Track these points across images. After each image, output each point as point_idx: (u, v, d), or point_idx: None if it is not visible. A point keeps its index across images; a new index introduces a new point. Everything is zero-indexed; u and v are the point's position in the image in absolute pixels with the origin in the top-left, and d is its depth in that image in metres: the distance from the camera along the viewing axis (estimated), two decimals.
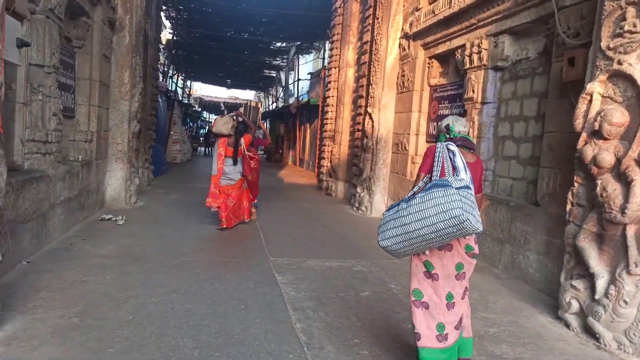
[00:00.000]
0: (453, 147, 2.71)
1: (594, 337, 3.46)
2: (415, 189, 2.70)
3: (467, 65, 6.24)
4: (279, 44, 22.47)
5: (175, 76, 24.13)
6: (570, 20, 4.49)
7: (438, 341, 2.63)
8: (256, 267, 4.87)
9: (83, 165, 6.50)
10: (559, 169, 4.51)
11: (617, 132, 3.46)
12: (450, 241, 2.55)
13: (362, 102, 9.60)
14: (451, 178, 2.54)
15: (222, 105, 37.61)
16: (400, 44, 8.53)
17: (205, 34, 19.29)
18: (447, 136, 2.87)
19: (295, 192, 11.98)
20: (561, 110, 4.55)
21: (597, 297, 3.48)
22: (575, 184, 3.87)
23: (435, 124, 7.50)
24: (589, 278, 3.61)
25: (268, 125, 31.27)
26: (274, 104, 32.90)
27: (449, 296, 2.66)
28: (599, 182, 3.54)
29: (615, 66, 3.51)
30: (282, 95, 30.70)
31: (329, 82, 12.01)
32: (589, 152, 3.62)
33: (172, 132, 19.12)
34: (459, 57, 6.55)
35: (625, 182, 3.34)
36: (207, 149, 30.38)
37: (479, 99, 6.04)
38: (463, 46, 6.44)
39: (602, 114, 3.54)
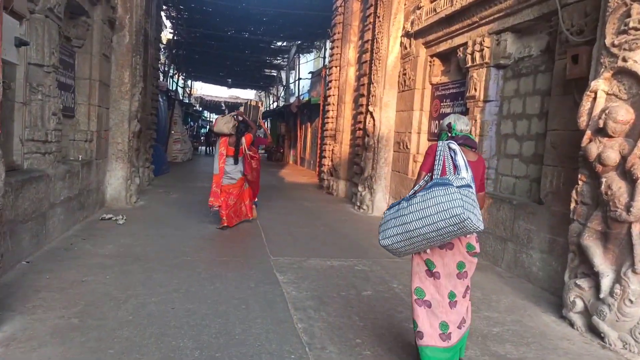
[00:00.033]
0: (454, 145, 2.70)
1: (599, 337, 3.42)
2: (416, 188, 2.69)
3: (469, 64, 6.20)
4: (279, 43, 22.43)
5: (176, 76, 24.12)
6: (573, 18, 4.46)
7: (442, 340, 2.61)
8: (257, 267, 4.84)
9: (83, 164, 6.47)
10: (563, 167, 4.47)
11: (622, 129, 3.42)
12: (451, 240, 2.53)
13: (364, 100, 9.56)
14: (452, 177, 2.53)
15: (223, 104, 37.62)
16: (401, 43, 8.49)
17: (206, 34, 19.26)
18: (449, 135, 2.85)
19: (296, 191, 11.95)
20: (564, 108, 4.51)
21: (602, 296, 3.44)
22: (580, 182, 3.83)
23: (436, 122, 7.46)
24: (594, 277, 3.57)
25: (269, 125, 31.21)
26: (275, 103, 32.88)
27: (451, 295, 2.65)
28: (603, 180, 3.50)
29: (620, 63, 3.48)
30: (283, 94, 30.67)
31: (330, 81, 11.98)
32: (593, 150, 3.58)
33: (172, 132, 19.10)
34: (461, 55, 6.52)
35: (631, 180, 3.30)
36: (207, 149, 30.37)
37: (481, 97, 6.00)
38: (465, 44, 6.40)
39: (606, 111, 3.51)
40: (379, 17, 8.76)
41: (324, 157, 12.23)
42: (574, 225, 3.86)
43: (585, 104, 3.76)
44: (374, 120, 8.77)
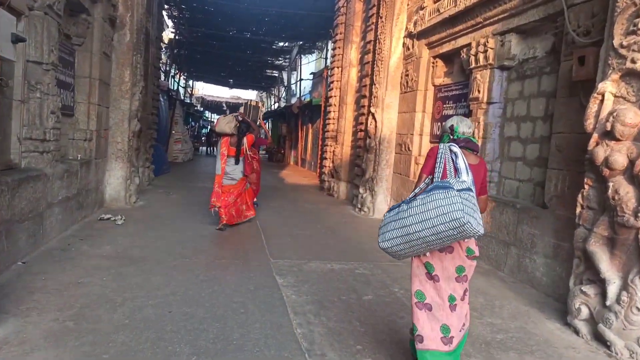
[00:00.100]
0: (455, 148, 2.67)
1: (605, 345, 3.35)
2: (416, 190, 2.66)
3: (473, 65, 6.13)
4: (281, 44, 22.37)
5: (178, 75, 24.08)
6: (580, 18, 4.38)
7: (443, 344, 2.57)
8: (257, 269, 4.77)
9: (82, 164, 6.41)
10: (568, 170, 4.40)
11: (630, 132, 3.35)
12: (450, 243, 2.50)
13: (365, 102, 9.49)
14: (453, 180, 2.50)
15: (224, 105, 37.59)
16: (404, 43, 8.42)
17: (208, 34, 19.20)
18: (451, 137, 2.81)
19: (297, 193, 11.88)
20: (570, 111, 4.44)
21: (608, 303, 3.37)
22: (586, 186, 3.76)
23: (439, 124, 7.39)
24: (600, 283, 3.50)
25: (270, 125, 31.15)
26: (276, 104, 32.83)
27: (451, 298, 2.62)
28: (610, 184, 3.43)
29: (629, 65, 3.41)
30: (284, 95, 30.62)
31: (332, 82, 11.91)
32: (600, 153, 3.51)
33: (173, 132, 19.05)
34: (464, 56, 6.45)
35: (639, 184, 3.23)
36: (208, 149, 30.33)
37: (485, 99, 5.93)
38: (468, 45, 6.33)
39: (614, 114, 3.44)
40: (381, 18, 8.69)
41: (325, 158, 12.16)
42: (579, 230, 3.79)
43: (592, 107, 3.69)
44: (375, 121, 8.70)
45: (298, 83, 24.28)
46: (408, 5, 8.34)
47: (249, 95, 43.34)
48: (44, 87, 5.00)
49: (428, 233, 2.35)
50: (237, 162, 6.72)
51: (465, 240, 2.55)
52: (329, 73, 13.13)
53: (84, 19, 6.44)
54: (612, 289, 3.36)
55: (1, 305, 3.32)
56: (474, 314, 3.82)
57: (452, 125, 2.84)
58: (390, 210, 2.63)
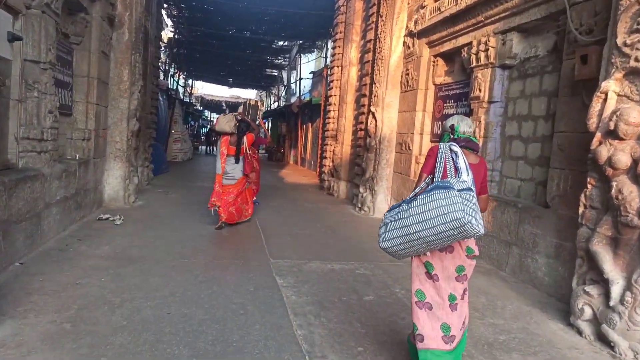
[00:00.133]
0: (456, 147, 2.66)
1: (609, 346, 3.31)
2: (417, 190, 2.65)
3: (474, 64, 6.09)
4: (281, 43, 22.31)
5: (177, 75, 24.02)
6: (582, 17, 4.35)
7: (444, 342, 2.56)
8: (256, 270, 4.73)
9: (80, 163, 6.37)
10: (570, 169, 4.36)
11: (633, 132, 3.31)
12: (451, 243, 2.50)
13: (365, 101, 9.45)
14: (453, 180, 2.49)
15: (223, 104, 37.53)
16: (404, 42, 8.38)
17: (207, 33, 19.15)
18: (451, 136, 2.81)
19: (297, 192, 11.84)
20: (572, 110, 4.40)
21: (611, 303, 3.33)
22: (589, 186, 3.72)
23: (440, 123, 7.35)
24: (603, 284, 3.46)
25: (270, 125, 31.11)
26: (276, 103, 32.78)
27: (451, 297, 2.61)
28: (614, 184, 3.39)
29: (633, 63, 3.37)
30: (284, 94, 30.56)
31: (332, 81, 11.87)
32: (603, 152, 3.47)
33: (173, 131, 19.00)
34: (465, 55, 6.41)
35: None
36: (208, 148, 30.29)
37: (486, 98, 5.89)
38: (469, 44, 6.29)
39: (617, 113, 3.40)
40: (381, 16, 8.65)
41: (325, 157, 12.12)
42: (582, 230, 3.75)
43: (595, 106, 3.65)
44: (375, 120, 8.66)
45: (298, 82, 24.22)
46: (408, 3, 8.30)
47: (249, 94, 43.25)
48: (42, 87, 4.96)
49: (429, 233, 2.34)
50: (237, 161, 6.69)
51: (465, 239, 2.54)
52: (328, 72, 13.09)
53: (82, 17, 6.39)
54: (616, 290, 3.33)
55: None
56: (476, 315, 3.80)
57: (453, 125, 2.82)
58: (390, 209, 2.62)
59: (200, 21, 18.04)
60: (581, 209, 3.79)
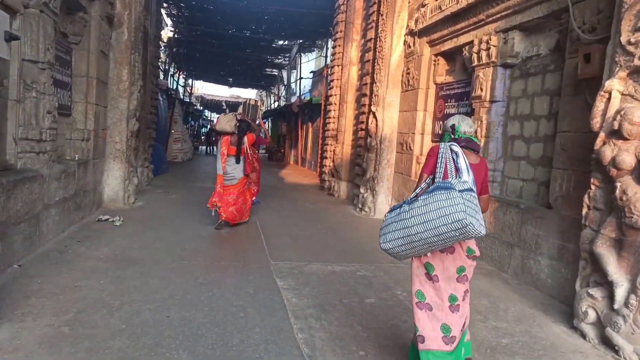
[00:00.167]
0: (456, 147, 2.65)
1: (613, 349, 3.27)
2: (417, 190, 2.64)
3: (475, 63, 6.05)
4: (281, 42, 22.26)
5: (177, 74, 23.97)
6: (585, 15, 4.30)
7: (445, 343, 2.55)
8: (256, 271, 4.69)
9: (80, 164, 6.33)
10: (573, 170, 4.32)
11: (638, 131, 3.27)
12: (452, 244, 2.49)
13: (366, 100, 9.41)
14: (454, 180, 2.48)
15: (223, 104, 37.49)
16: (405, 41, 8.33)
17: (207, 32, 19.10)
18: (452, 136, 2.80)
19: (297, 192, 11.80)
20: (575, 109, 4.36)
21: (616, 306, 3.29)
22: (592, 187, 3.68)
23: (441, 123, 7.31)
24: (607, 286, 3.42)
25: (270, 125, 31.07)
26: (276, 103, 32.73)
27: (452, 298, 2.60)
28: (618, 184, 3.35)
29: (637, 62, 3.33)
30: (284, 93, 30.51)
31: (332, 81, 11.82)
32: (607, 152, 3.42)
33: (173, 131, 18.96)
34: (467, 54, 6.36)
35: None
36: (208, 148, 30.24)
37: (488, 97, 5.85)
38: (471, 43, 6.25)
39: (621, 112, 3.36)
40: (382, 15, 8.60)
41: (325, 157, 12.08)
42: (585, 231, 3.71)
43: (599, 105, 3.61)
44: (376, 120, 8.61)
45: (298, 82, 24.17)
46: (409, 2, 8.25)
47: (249, 94, 43.20)
48: (40, 87, 4.92)
49: (430, 234, 2.33)
50: (237, 161, 6.66)
51: (466, 240, 2.53)
52: (329, 71, 13.04)
53: (81, 17, 6.35)
54: (620, 292, 3.29)
55: None
56: (478, 317, 3.76)
57: (454, 125, 2.82)
58: (391, 210, 2.61)
59: (200, 20, 17.99)
60: (585, 210, 3.74)
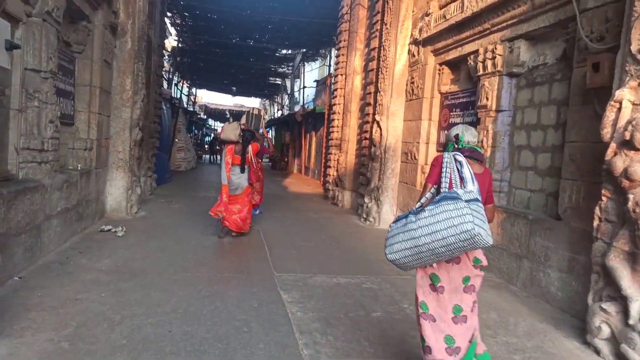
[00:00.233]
0: (460, 157, 2.63)
1: None
2: (422, 200, 2.64)
3: (481, 72, 5.99)
4: (284, 51, 22.34)
5: (180, 83, 24.04)
6: (593, 24, 4.24)
7: (448, 354, 2.51)
8: (260, 284, 4.61)
9: (82, 174, 6.28)
10: (583, 180, 4.24)
11: None
12: (459, 255, 2.47)
13: (370, 109, 9.36)
14: (460, 190, 2.46)
15: (227, 113, 37.55)
16: (409, 50, 8.30)
17: (211, 41, 19.16)
18: (455, 146, 2.80)
19: (301, 202, 11.73)
20: (584, 119, 4.29)
21: (631, 322, 3.20)
22: (604, 198, 3.60)
23: (446, 132, 7.23)
24: (621, 301, 3.33)
25: (273, 133, 31.09)
26: (280, 112, 32.76)
27: (457, 309, 2.56)
28: (631, 196, 3.27)
29: None
30: (287, 102, 30.56)
31: (336, 90, 11.79)
32: (619, 163, 3.35)
33: (176, 140, 18.96)
34: (472, 63, 6.31)
35: None
36: (212, 157, 30.25)
37: (493, 107, 5.78)
38: (476, 52, 6.20)
39: (633, 122, 3.29)
40: (386, 25, 8.57)
41: (329, 166, 12.02)
42: (597, 244, 3.62)
43: (609, 115, 3.54)
44: (380, 129, 8.56)
45: (301, 91, 24.20)
46: (413, 11, 8.23)
47: (252, 103, 43.36)
48: (43, 96, 4.88)
49: (438, 245, 2.32)
50: (242, 171, 6.61)
51: (473, 250, 2.49)
52: (332, 80, 13.02)
53: (84, 26, 6.34)
54: (635, 307, 3.19)
55: None
56: (488, 332, 3.67)
57: (457, 134, 2.82)
58: (396, 220, 2.58)
59: (204, 30, 18.05)
60: (596, 222, 3.66)
